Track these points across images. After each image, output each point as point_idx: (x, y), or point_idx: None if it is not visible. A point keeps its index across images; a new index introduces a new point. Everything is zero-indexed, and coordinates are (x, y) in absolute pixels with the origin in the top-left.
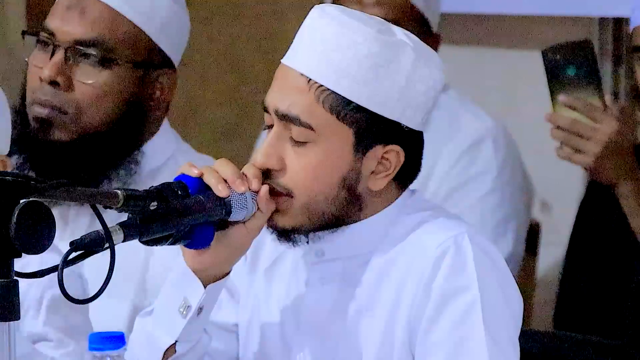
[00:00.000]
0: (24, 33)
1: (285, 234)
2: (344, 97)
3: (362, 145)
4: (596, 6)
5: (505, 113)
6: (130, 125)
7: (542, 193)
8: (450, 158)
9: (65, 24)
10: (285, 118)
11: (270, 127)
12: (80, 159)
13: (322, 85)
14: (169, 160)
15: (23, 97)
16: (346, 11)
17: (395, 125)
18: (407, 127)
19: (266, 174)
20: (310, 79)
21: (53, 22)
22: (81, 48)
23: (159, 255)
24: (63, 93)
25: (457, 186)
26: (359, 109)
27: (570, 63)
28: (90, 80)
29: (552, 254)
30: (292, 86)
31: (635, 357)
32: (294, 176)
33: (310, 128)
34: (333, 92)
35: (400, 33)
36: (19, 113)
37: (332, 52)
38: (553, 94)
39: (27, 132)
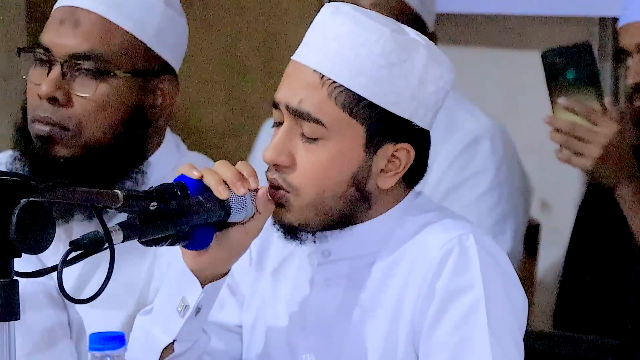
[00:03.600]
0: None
1: (291, 231)
2: (356, 94)
3: (373, 143)
4: (596, 6)
5: (505, 113)
6: (134, 136)
7: (542, 193)
8: (448, 157)
9: (59, 38)
10: (296, 114)
11: (279, 124)
12: (84, 173)
13: (335, 82)
14: (173, 171)
15: (24, 114)
16: (359, 9)
17: (406, 124)
18: (417, 126)
19: (275, 169)
20: (323, 75)
21: (47, 37)
22: (77, 61)
23: (165, 264)
24: (63, 109)
25: (455, 185)
26: (372, 106)
27: (570, 66)
28: (88, 93)
29: (552, 254)
30: (304, 82)
31: (635, 357)
32: (304, 173)
33: (322, 124)
34: (346, 88)
35: (412, 33)
36: (21, 130)
37: (346, 50)
38: (552, 96)
39: (30, 149)
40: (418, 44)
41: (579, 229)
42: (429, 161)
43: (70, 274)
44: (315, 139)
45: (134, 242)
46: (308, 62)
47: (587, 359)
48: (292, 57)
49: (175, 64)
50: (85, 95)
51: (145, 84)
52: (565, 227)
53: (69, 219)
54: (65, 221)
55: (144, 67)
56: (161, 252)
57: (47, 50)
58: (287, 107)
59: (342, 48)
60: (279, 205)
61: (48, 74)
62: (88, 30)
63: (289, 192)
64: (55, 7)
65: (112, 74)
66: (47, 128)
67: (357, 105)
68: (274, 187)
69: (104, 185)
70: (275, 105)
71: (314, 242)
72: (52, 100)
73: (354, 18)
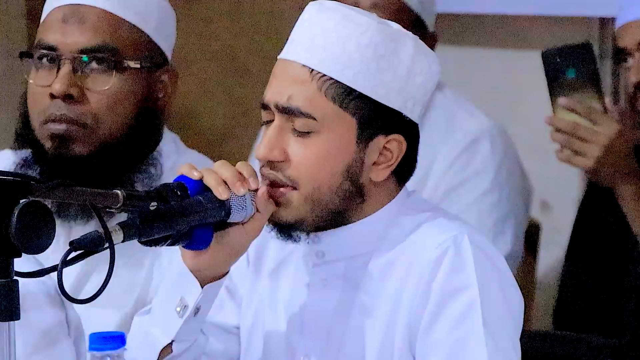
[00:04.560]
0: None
1: (286, 229)
2: (346, 86)
3: (365, 135)
4: (596, 6)
5: (505, 113)
6: (147, 128)
7: (542, 193)
8: (448, 158)
9: (66, 36)
10: (286, 111)
11: (269, 122)
12: (101, 169)
13: (324, 75)
14: (172, 170)
15: (25, 120)
16: (344, 5)
17: (396, 115)
18: (407, 117)
19: (269, 167)
20: (312, 70)
21: (52, 36)
22: (90, 55)
23: (165, 264)
24: (78, 105)
25: (455, 186)
26: (362, 98)
27: (570, 65)
28: (103, 87)
29: (552, 254)
30: (293, 79)
31: (635, 357)
32: (298, 166)
33: (313, 118)
34: (336, 81)
35: (397, 26)
36: (21, 136)
37: (334, 43)
38: (553, 96)
39: (43, 152)
40: (404, 36)
41: (579, 229)
42: (429, 161)
43: (69, 274)
44: (308, 133)
45: (133, 242)
46: (296, 58)
47: (587, 359)
48: (279, 57)
49: (170, 55)
50: (103, 88)
51: (150, 76)
52: (565, 227)
53: (70, 218)
54: (64, 221)
55: (149, 59)
56: (160, 252)
57: (52, 49)
58: (277, 106)
59: (329, 41)
60: (278, 204)
61: (57, 72)
62: (96, 25)
63: (287, 186)
64: (50, 7)
65: (124, 66)
66: (63, 126)
67: (348, 98)
68: (271, 185)
69: (119, 180)
70: (264, 107)
71: (307, 242)
72: (67, 97)
73: (340, 12)
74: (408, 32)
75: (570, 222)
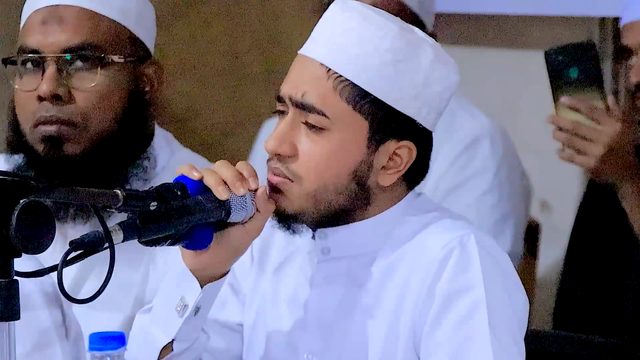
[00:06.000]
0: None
1: (285, 220)
2: (362, 89)
3: (376, 138)
4: (596, 6)
5: (506, 113)
6: (136, 123)
7: (542, 193)
8: (448, 157)
9: (47, 37)
10: (300, 106)
11: (282, 112)
12: (95, 167)
13: (341, 76)
14: (164, 169)
15: (14, 128)
16: (369, 7)
17: (410, 122)
18: (421, 125)
19: (277, 159)
20: (329, 69)
21: (33, 39)
22: (73, 54)
23: (160, 265)
24: (66, 105)
25: (455, 185)
26: (376, 102)
27: (573, 64)
28: (90, 84)
29: (552, 254)
30: (310, 75)
31: (635, 356)
32: (306, 162)
33: (325, 116)
34: (351, 83)
35: (420, 32)
36: (14, 143)
37: (353, 45)
38: (555, 95)
39: (36, 156)
40: (425, 43)
41: (579, 228)
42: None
43: (66, 275)
44: (319, 130)
45: (130, 244)
46: (314, 56)
47: (587, 359)
48: (299, 52)
49: (152, 48)
50: (89, 86)
51: (135, 70)
52: (565, 227)
53: (67, 220)
54: (60, 222)
55: (132, 53)
56: (156, 253)
57: (35, 52)
58: (291, 99)
59: (349, 43)
60: (277, 190)
61: (42, 75)
62: (75, 24)
63: (290, 180)
64: (28, 12)
65: (110, 61)
66: (54, 127)
67: (362, 100)
68: (275, 175)
69: (114, 176)
70: (280, 99)
71: (313, 238)
72: (55, 97)
73: (363, 14)
74: (430, 38)
75: (570, 222)
